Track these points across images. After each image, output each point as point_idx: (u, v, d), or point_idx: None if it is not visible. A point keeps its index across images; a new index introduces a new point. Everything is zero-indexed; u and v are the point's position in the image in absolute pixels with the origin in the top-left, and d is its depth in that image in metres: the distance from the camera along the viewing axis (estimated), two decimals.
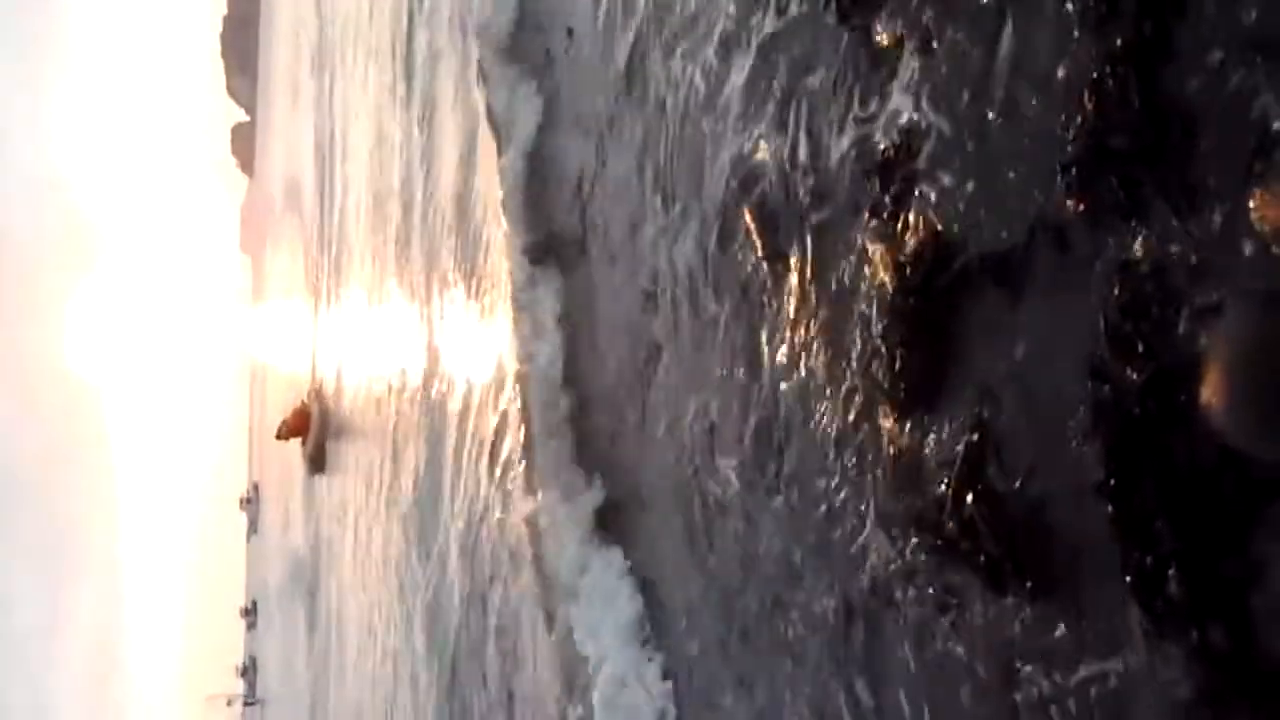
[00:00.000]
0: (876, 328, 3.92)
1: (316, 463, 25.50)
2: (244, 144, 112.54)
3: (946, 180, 3.56)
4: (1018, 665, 3.18)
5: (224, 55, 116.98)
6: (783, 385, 4.66)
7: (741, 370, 5.06)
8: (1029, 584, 3.14)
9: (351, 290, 21.03)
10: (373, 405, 17.28)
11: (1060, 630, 3.03)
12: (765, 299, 4.83)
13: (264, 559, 53.16)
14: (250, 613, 60.30)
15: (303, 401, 27.35)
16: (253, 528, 65.27)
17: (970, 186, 3.45)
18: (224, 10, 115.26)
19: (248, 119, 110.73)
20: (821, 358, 4.34)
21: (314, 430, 25.25)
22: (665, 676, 5.81)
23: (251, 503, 64.00)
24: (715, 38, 5.44)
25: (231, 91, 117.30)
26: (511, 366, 8.63)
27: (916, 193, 3.70)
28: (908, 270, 3.72)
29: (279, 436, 27.66)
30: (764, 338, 4.83)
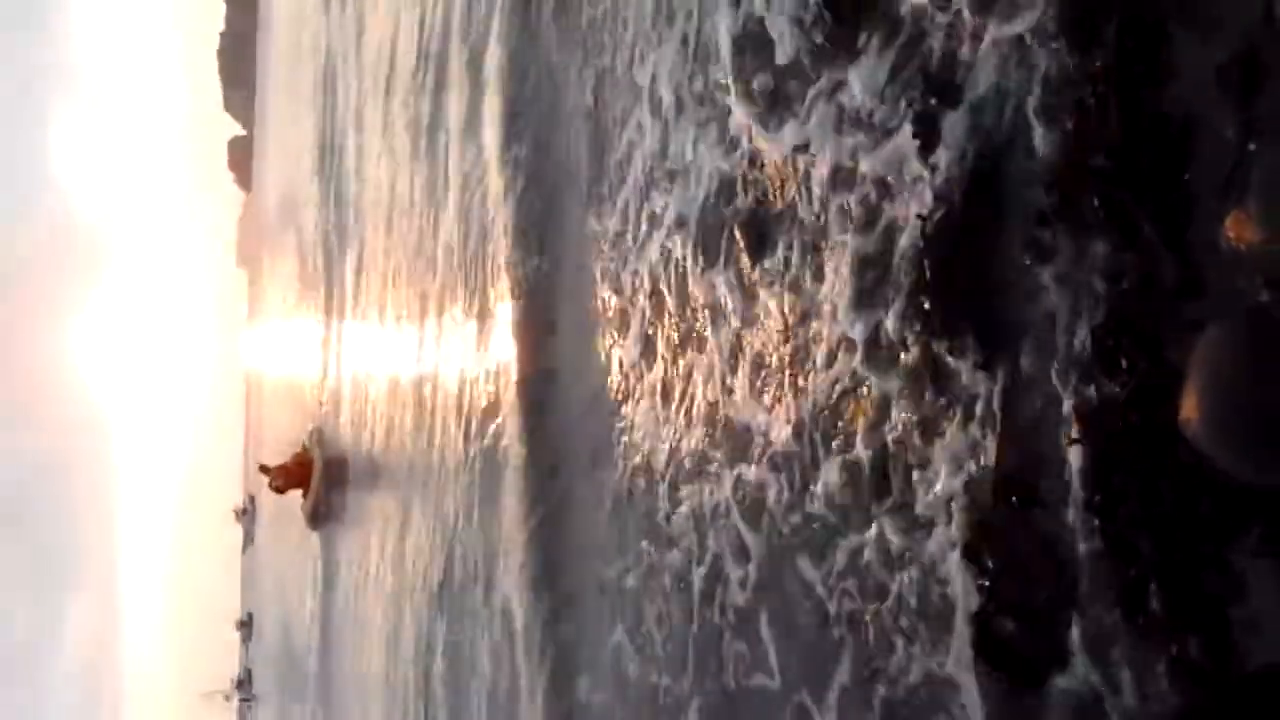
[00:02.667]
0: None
1: (319, 517, 22.11)
2: (241, 158, 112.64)
3: (936, 197, 3.60)
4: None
5: (221, 71, 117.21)
6: None
7: None
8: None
9: (368, 314, 18.25)
10: (403, 446, 14.26)
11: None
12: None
13: (259, 573, 52.71)
14: (245, 625, 60.03)
15: (303, 446, 23.67)
16: (248, 539, 65.08)
17: (957, 205, 3.49)
18: (221, 26, 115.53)
19: (244, 133, 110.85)
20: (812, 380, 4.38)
21: (316, 479, 21.74)
22: None
23: (247, 514, 63.75)
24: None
25: (228, 106, 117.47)
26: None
27: (905, 209, 3.74)
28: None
29: (275, 488, 23.70)
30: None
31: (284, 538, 32.99)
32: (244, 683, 56.92)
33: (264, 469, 24.13)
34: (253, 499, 59.85)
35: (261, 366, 63.72)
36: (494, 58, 10.13)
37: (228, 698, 59.60)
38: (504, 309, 9.18)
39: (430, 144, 13.37)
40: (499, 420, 9.10)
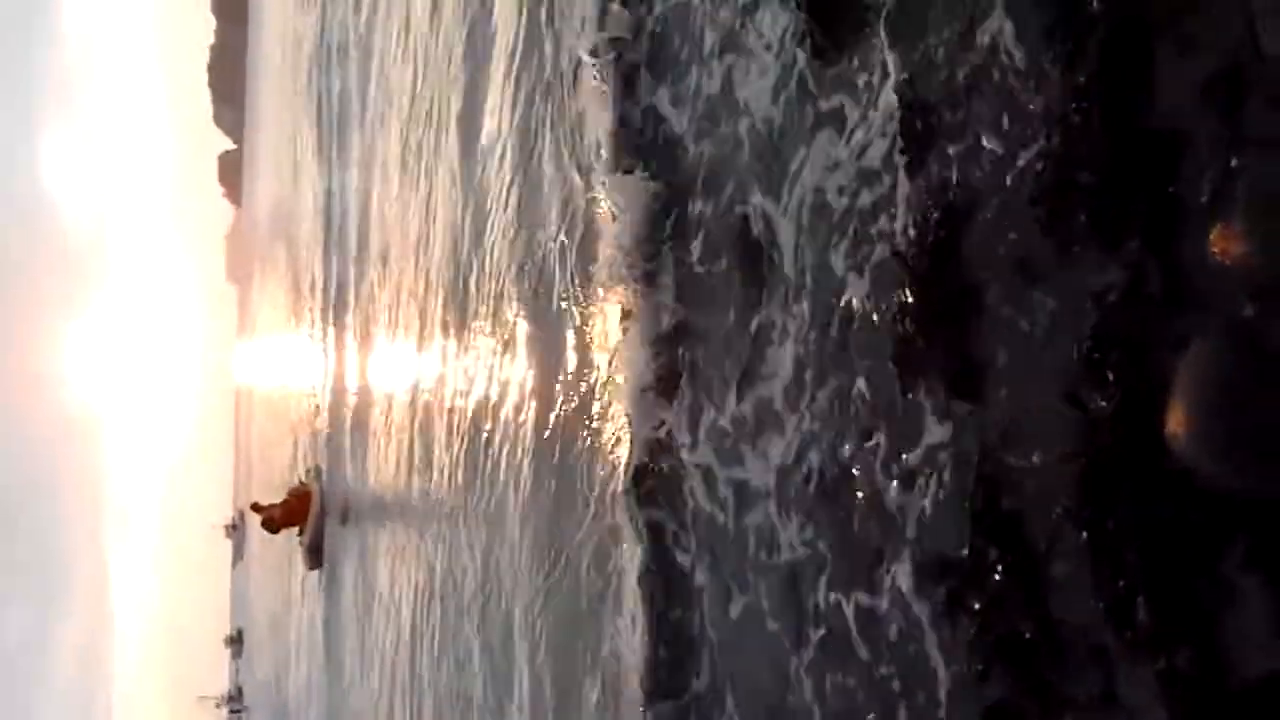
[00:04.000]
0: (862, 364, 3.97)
1: (318, 553, 20.76)
2: (231, 172, 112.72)
3: (921, 213, 3.62)
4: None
5: (210, 85, 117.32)
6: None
7: None
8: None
9: (383, 332, 16.01)
10: (432, 481, 11.96)
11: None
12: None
13: (249, 590, 52.39)
14: (235, 641, 60.01)
15: (300, 481, 22.57)
16: (238, 554, 65.06)
17: (943, 221, 3.51)
18: (211, 40, 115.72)
19: (234, 147, 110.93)
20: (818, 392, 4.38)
21: (314, 513, 20.49)
22: None
23: (237, 529, 63.75)
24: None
25: (218, 120, 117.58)
26: None
27: (892, 229, 3.76)
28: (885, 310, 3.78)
29: (268, 527, 22.05)
30: None
31: (273, 557, 31.88)
32: (234, 698, 56.90)
33: (255, 507, 22.81)
34: (242, 515, 59.84)
35: (252, 382, 63.64)
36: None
37: (219, 705, 59.70)
38: (610, 320, 6.68)
39: (467, 130, 11.52)
40: (606, 461, 6.72)
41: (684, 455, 5.62)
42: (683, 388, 5.65)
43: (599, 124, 6.88)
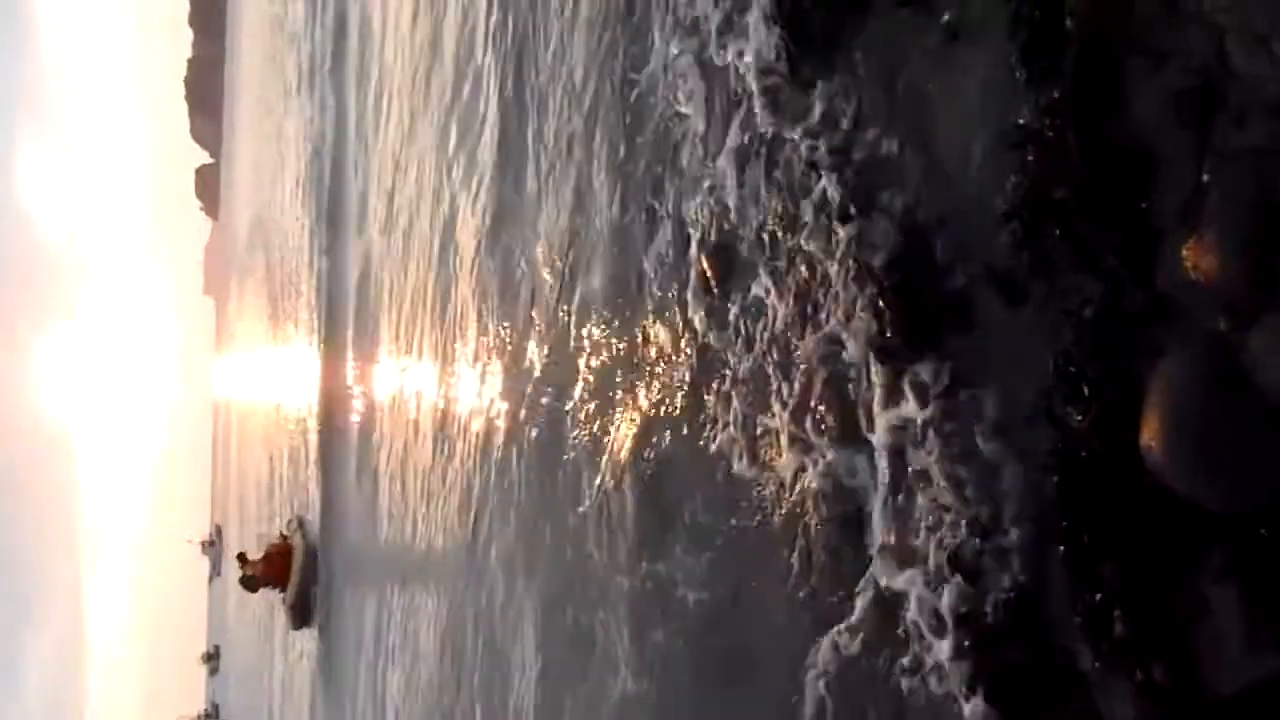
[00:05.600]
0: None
1: (302, 612, 19.66)
2: (208, 186, 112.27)
3: (898, 230, 3.64)
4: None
5: (188, 98, 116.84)
6: None
7: None
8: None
9: (393, 355, 13.91)
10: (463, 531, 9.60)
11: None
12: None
13: (225, 606, 51.87)
14: (212, 658, 59.58)
15: (282, 535, 21.27)
16: (215, 571, 64.56)
17: (921, 235, 3.52)
18: (188, 53, 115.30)
19: (211, 161, 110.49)
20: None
21: (298, 569, 19.46)
22: None
23: (214, 545, 63.29)
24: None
25: (195, 134, 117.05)
26: None
27: (871, 246, 3.77)
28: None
29: (248, 586, 21.01)
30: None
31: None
32: (210, 715, 56.64)
33: (241, 559, 21.58)
34: (219, 530, 59.47)
35: (230, 397, 63.25)
36: None
37: (199, 717, 59.59)
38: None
39: (465, 134, 10.45)
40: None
41: None
42: None
43: None
